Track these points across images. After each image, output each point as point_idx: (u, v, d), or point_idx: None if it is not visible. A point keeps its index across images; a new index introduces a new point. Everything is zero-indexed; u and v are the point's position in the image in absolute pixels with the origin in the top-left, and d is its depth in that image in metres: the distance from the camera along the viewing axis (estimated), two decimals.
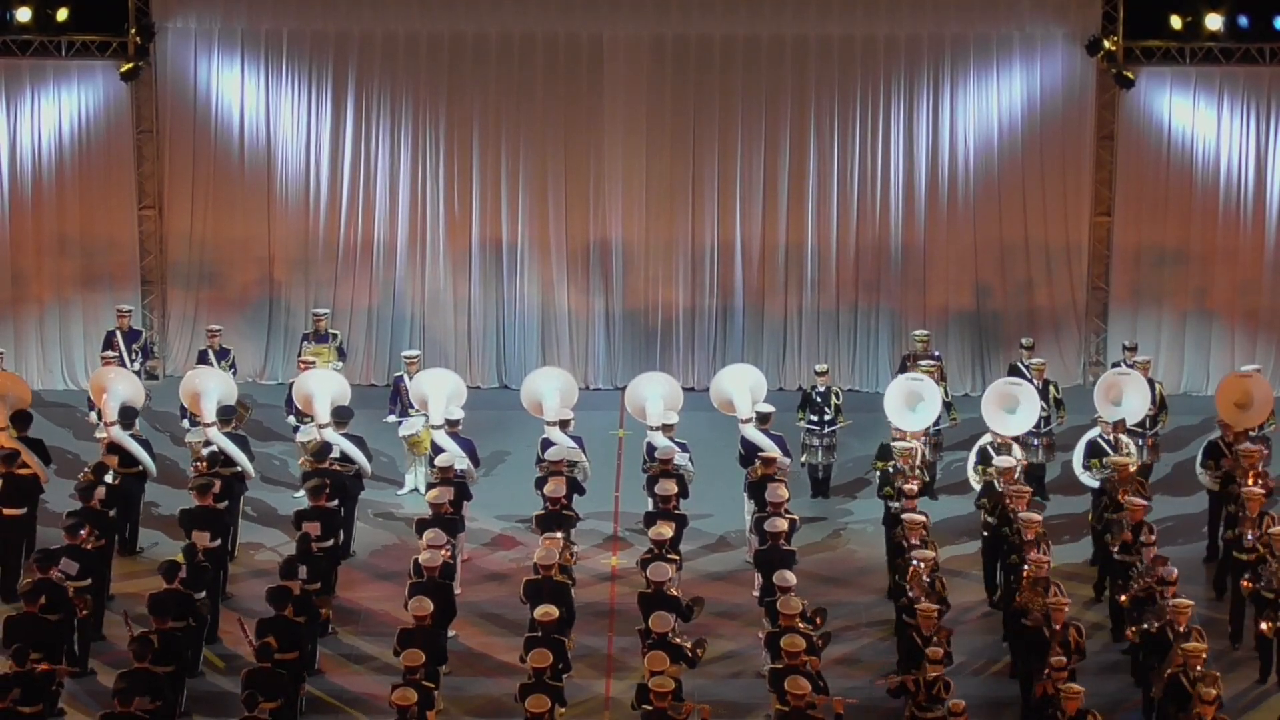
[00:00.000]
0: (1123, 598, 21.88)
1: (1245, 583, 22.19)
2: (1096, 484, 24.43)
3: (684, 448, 24.87)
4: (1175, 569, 21.46)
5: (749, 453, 24.88)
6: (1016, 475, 23.73)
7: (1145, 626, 20.91)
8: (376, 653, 22.20)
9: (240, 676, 20.09)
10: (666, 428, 25.06)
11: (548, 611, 20.78)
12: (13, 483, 23.48)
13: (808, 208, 29.77)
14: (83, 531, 21.98)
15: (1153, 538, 22.26)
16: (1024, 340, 27.79)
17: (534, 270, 29.99)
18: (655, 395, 25.73)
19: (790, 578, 21.35)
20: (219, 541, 22.75)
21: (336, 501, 23.62)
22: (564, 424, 25.10)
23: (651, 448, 24.82)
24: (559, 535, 22.53)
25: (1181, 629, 20.51)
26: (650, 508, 23.76)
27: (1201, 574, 24.35)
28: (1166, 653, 20.38)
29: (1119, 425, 24.89)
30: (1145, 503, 23.05)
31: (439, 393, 25.63)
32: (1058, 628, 20.62)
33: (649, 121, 29.63)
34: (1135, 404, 25.61)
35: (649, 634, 20.61)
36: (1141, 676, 21.39)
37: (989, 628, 22.98)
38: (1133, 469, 23.87)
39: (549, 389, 25.84)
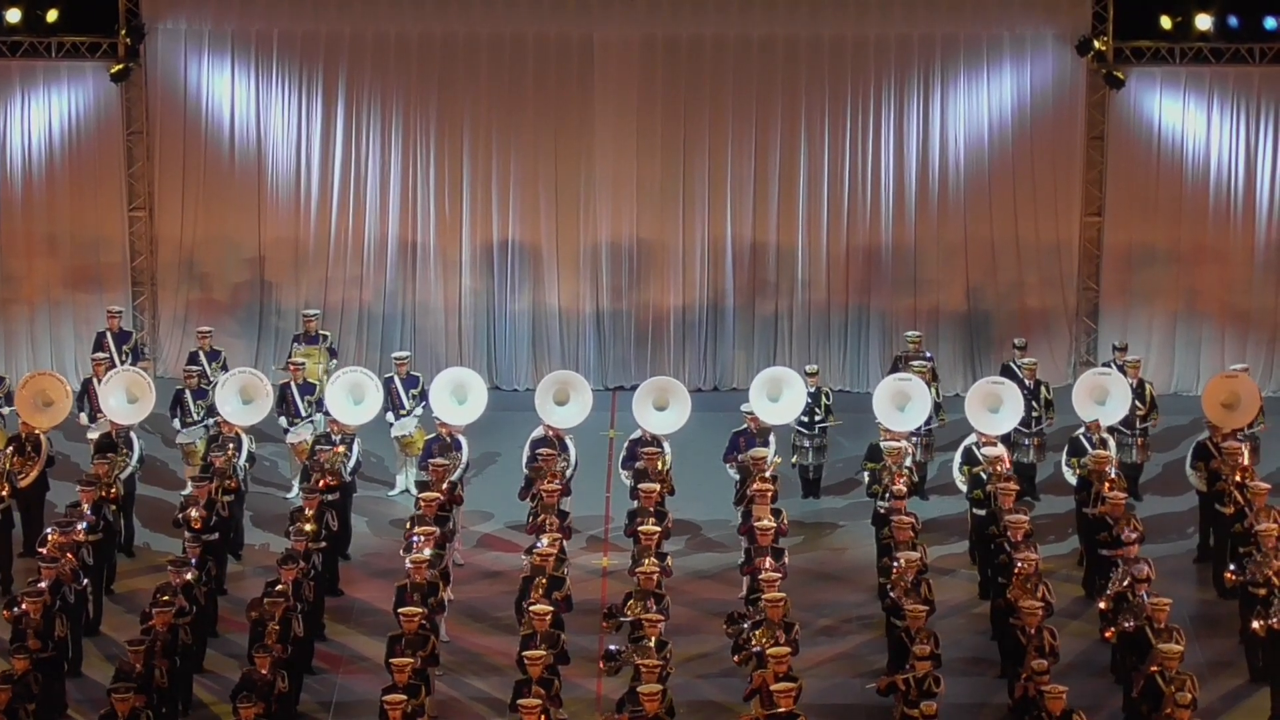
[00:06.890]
0: (1101, 604, 21.76)
1: (1228, 574, 22.08)
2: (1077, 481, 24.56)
3: (658, 441, 25.03)
4: (1146, 566, 21.47)
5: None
6: (1003, 469, 23.80)
7: (1123, 625, 20.92)
8: (370, 653, 22.19)
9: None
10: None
11: (542, 611, 20.83)
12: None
13: (798, 208, 29.77)
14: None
15: (1134, 535, 22.27)
16: (1016, 340, 27.77)
17: (525, 271, 29.98)
18: (683, 413, 25.79)
19: (774, 576, 21.43)
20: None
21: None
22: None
23: (634, 444, 24.97)
24: (556, 535, 22.60)
25: (1160, 626, 20.50)
26: (633, 506, 23.80)
27: (1192, 573, 24.35)
28: (1145, 651, 20.33)
29: (1094, 425, 25.01)
30: (1125, 495, 23.14)
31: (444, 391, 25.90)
32: (1032, 631, 20.65)
33: (640, 122, 29.62)
34: (1117, 405, 25.68)
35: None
36: (1121, 675, 21.36)
37: (978, 626, 22.99)
38: (1111, 464, 23.94)
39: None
